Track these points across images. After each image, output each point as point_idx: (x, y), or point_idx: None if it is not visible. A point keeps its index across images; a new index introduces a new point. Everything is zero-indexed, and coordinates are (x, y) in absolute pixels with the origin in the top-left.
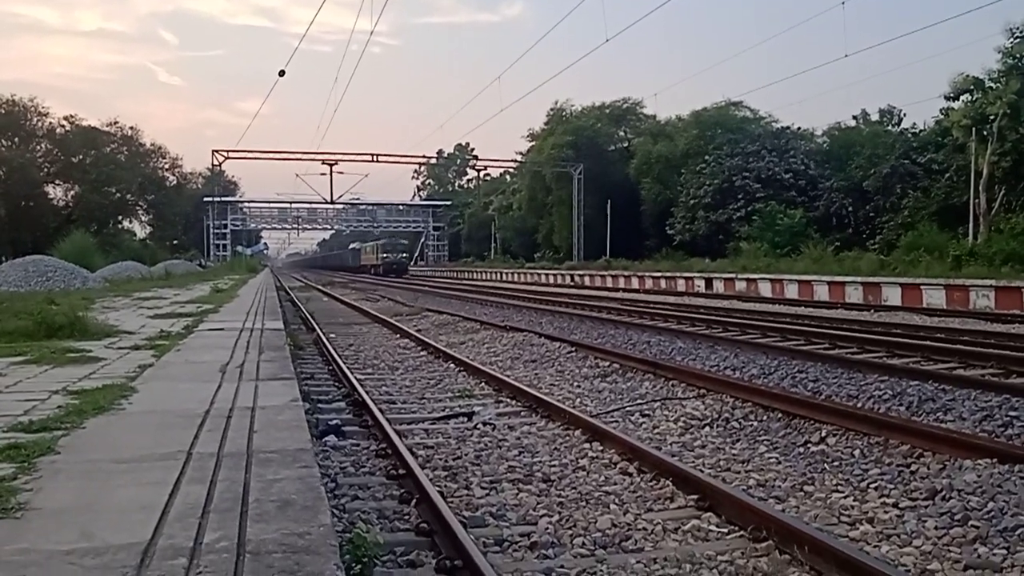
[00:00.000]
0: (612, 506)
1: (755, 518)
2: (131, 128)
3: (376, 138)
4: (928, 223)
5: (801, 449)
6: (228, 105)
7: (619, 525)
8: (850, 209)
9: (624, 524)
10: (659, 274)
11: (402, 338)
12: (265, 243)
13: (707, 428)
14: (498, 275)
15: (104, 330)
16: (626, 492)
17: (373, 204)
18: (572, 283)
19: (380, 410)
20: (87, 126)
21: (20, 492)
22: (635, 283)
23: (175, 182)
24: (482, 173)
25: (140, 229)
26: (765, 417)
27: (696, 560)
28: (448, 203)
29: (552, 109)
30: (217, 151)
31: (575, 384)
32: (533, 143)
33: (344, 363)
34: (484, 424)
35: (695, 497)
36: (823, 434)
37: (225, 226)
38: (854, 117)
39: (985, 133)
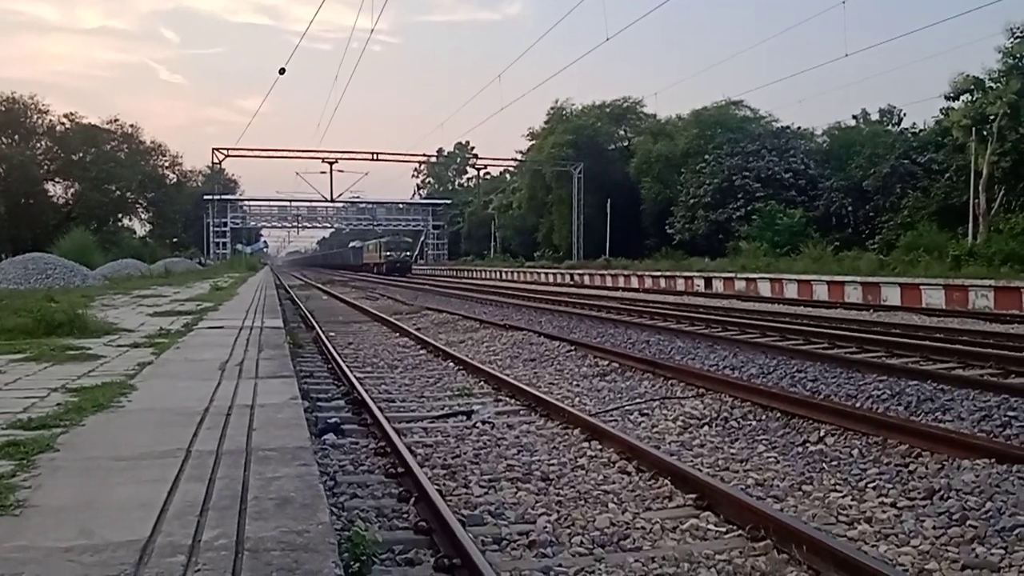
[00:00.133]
0: (611, 505)
1: (753, 517)
2: (131, 126)
3: (376, 137)
4: (928, 223)
5: (800, 448)
6: (228, 103)
7: (617, 524)
8: (850, 209)
9: (622, 523)
10: (658, 273)
11: (401, 336)
12: (265, 241)
13: (706, 427)
14: (498, 274)
15: (103, 328)
16: (624, 491)
17: (373, 203)
18: (572, 282)
19: (379, 408)
20: (87, 124)
21: (19, 489)
22: (634, 282)
23: (175, 180)
24: (482, 172)
25: (140, 227)
26: (764, 416)
27: (694, 559)
28: (448, 202)
29: (552, 108)
30: (217, 149)
31: (574, 383)
32: (533, 142)
33: (343, 361)
34: (483, 423)
35: (693, 496)
36: (822, 434)
37: (225, 224)
38: (854, 117)
39: (985, 133)
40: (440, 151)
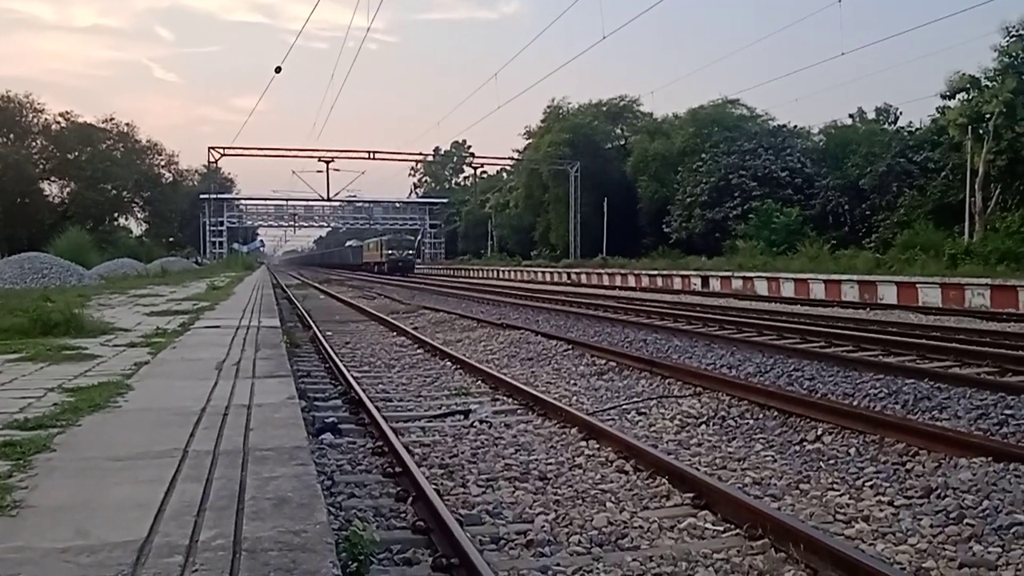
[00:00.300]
0: (608, 504)
1: (751, 516)
2: (127, 125)
3: (373, 135)
4: (924, 221)
5: (797, 447)
6: (224, 102)
7: (615, 523)
8: (846, 207)
9: (620, 522)
10: (655, 272)
11: (399, 336)
12: (261, 240)
13: (703, 426)
14: (495, 273)
15: (100, 327)
16: (622, 490)
17: (370, 201)
18: (569, 281)
19: (376, 408)
20: (83, 123)
21: (15, 490)
22: (631, 281)
23: (171, 179)
24: (479, 171)
25: (136, 226)
26: (761, 415)
27: (692, 558)
28: (445, 201)
29: (549, 107)
30: (213, 148)
31: (571, 382)
32: (530, 141)
33: (340, 361)
34: (481, 422)
35: (691, 495)
36: (819, 432)
37: (221, 223)
38: (850, 115)
39: (981, 132)
40: (437, 150)
